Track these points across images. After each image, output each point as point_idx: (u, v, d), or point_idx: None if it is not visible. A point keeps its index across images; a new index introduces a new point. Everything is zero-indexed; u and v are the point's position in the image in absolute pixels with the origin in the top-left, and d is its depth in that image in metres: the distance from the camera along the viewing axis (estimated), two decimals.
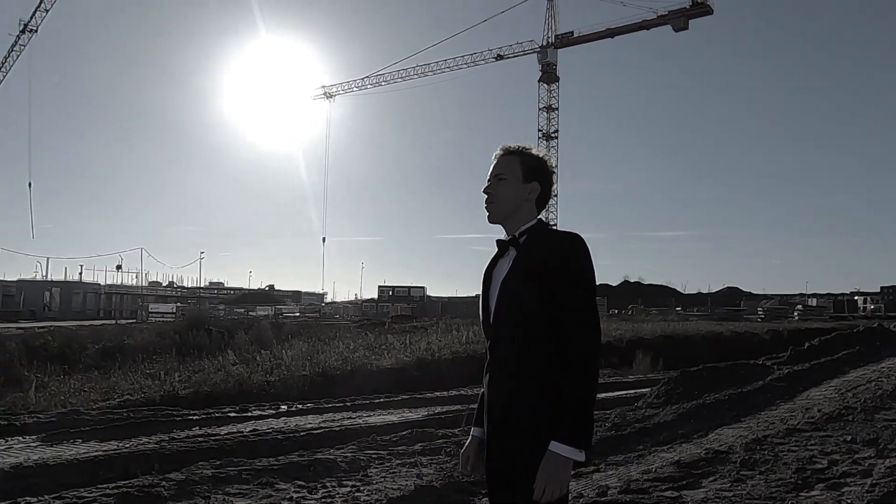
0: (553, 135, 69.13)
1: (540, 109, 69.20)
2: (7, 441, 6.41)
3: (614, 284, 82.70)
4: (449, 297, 62.41)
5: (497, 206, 2.00)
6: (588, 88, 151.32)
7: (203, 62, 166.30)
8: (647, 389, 8.43)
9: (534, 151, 2.04)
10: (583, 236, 1.87)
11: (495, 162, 2.04)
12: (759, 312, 46.18)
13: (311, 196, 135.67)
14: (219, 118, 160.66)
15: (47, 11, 65.50)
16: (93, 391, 12.92)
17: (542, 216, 2.03)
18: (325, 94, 71.83)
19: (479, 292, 2.02)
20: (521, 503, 1.76)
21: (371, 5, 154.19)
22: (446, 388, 11.56)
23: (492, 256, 2.02)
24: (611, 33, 63.67)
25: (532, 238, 1.93)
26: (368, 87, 70.15)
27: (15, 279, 53.89)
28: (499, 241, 2.00)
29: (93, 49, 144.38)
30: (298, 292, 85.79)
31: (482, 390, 2.00)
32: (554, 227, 2.02)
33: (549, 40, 66.56)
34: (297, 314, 47.65)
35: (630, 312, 50.29)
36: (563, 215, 74.56)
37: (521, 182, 1.98)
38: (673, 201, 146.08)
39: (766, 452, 5.07)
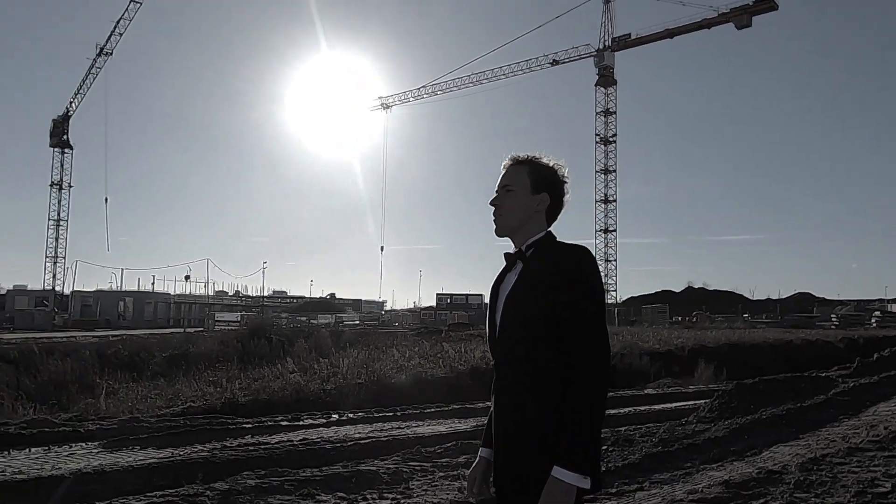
0: (611, 139, 68.11)
1: (597, 114, 68.41)
2: (71, 447, 6.73)
3: (677, 291, 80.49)
4: None
5: (504, 219, 1.94)
6: (646, 91, 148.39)
7: (266, 78, 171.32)
8: (706, 401, 8.12)
9: (544, 160, 1.97)
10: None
11: (503, 172, 1.98)
12: (833, 319, 44.04)
13: (369, 205, 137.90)
14: (281, 131, 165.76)
15: (121, 35, 69.30)
16: (158, 398, 13.42)
17: (552, 228, 1.96)
18: (382, 104, 73.06)
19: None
20: None
21: (427, 17, 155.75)
22: None
23: (500, 270, 1.96)
24: (670, 34, 62.37)
25: (539, 251, 1.87)
26: (424, 96, 70.98)
27: (93, 290, 56.84)
28: (506, 255, 1.95)
29: (163, 68, 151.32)
30: (359, 300, 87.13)
31: (490, 409, 1.96)
32: (563, 241, 1.92)
33: (606, 43, 65.74)
34: (357, 322, 48.30)
35: (694, 319, 48.76)
36: (623, 221, 73.41)
37: (529, 193, 1.92)
38: (738, 204, 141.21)
39: (823, 473, 4.79)
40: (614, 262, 69.20)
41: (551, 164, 1.97)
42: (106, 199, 71.84)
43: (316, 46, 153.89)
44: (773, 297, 79.16)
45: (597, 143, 68.70)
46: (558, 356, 1.73)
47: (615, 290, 70.02)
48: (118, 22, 68.36)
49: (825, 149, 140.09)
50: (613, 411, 9.56)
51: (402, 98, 72.34)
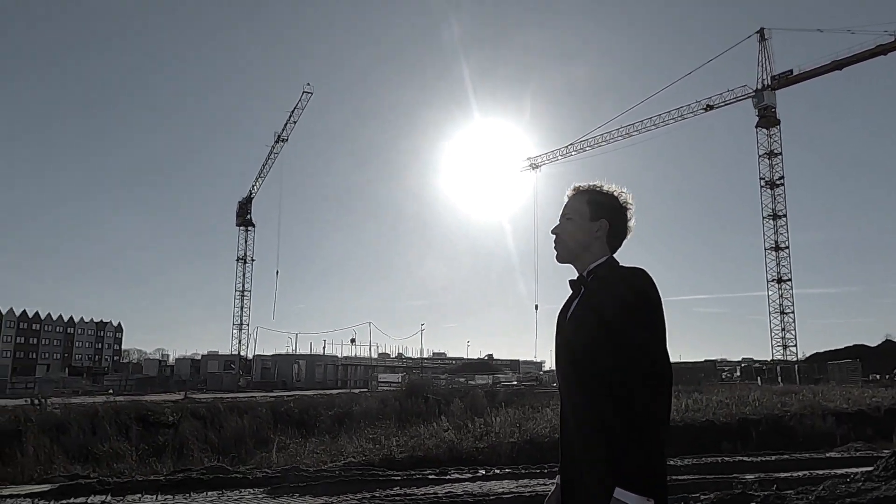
0: (778, 182, 63.40)
1: (760, 156, 64.25)
2: (241, 492, 7.38)
3: (873, 345, 71.00)
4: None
5: (563, 246, 2.00)
6: (814, 128, 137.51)
7: (424, 149, 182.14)
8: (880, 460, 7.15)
9: (604, 188, 2.01)
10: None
11: (565, 201, 2.05)
12: None
13: (520, 265, 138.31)
14: (436, 198, 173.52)
15: (295, 123, 77.14)
16: (323, 453, 14.26)
17: (616, 254, 1.99)
18: (531, 165, 74.04)
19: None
20: None
21: (573, 76, 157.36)
22: None
23: (567, 297, 2.01)
24: (838, 65, 57.65)
25: (598, 276, 1.91)
26: (573, 153, 70.92)
27: (271, 353, 61.98)
28: (571, 282, 1.99)
29: (330, 148, 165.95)
30: (516, 361, 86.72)
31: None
32: (623, 266, 1.94)
33: (765, 82, 62.13)
34: (514, 383, 48.01)
35: None
36: (799, 270, 67.33)
37: (587, 221, 1.97)
38: None
39: None
40: (791, 315, 63.15)
41: (611, 192, 2.01)
42: (277, 272, 78.32)
43: (469, 116, 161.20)
44: None
45: (762, 187, 64.28)
46: (614, 380, 1.74)
47: (795, 346, 63.66)
48: (293, 111, 76.51)
49: None
50: (784, 475, 8.69)
51: (551, 157, 72.87)
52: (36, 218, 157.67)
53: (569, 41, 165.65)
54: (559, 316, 2.00)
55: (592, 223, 1.97)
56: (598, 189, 2.02)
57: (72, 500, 6.99)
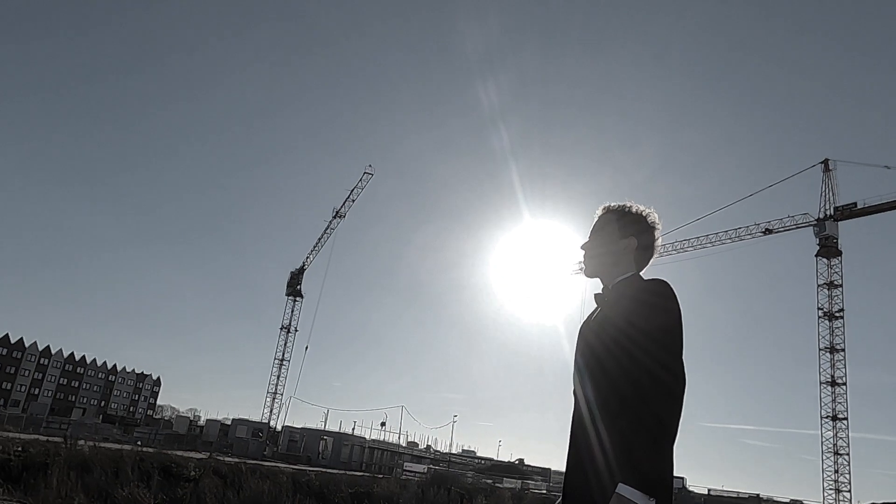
0: (837, 314, 61.17)
1: (819, 286, 62.42)
2: None
3: None
4: (710, 491, 55.24)
5: (591, 262, 2.13)
6: (880, 262, 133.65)
7: (473, 246, 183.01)
8: None
9: (633, 208, 2.13)
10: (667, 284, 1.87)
11: (595, 219, 2.19)
12: None
13: (565, 370, 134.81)
14: (483, 295, 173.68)
15: (353, 201, 79.38)
16: None
17: (643, 271, 2.08)
18: (581, 268, 73.70)
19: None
20: None
21: (626, 186, 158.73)
22: None
23: (591, 311, 2.11)
24: None
25: (619, 290, 2.00)
26: None
27: (300, 426, 61.33)
28: (595, 295, 2.09)
29: (381, 231, 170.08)
30: (548, 469, 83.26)
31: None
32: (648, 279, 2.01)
33: (827, 212, 61.24)
34: (544, 491, 46.06)
35: None
36: (859, 411, 63.62)
37: (615, 238, 2.09)
38: None
39: None
40: (846, 457, 59.12)
41: (639, 211, 2.14)
42: (306, 348, 77.28)
43: (519, 217, 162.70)
44: None
45: (819, 317, 62.12)
46: (627, 387, 1.82)
47: (849, 492, 59.19)
48: (353, 189, 78.98)
49: None
50: None
51: None
52: (89, 262, 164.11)
53: (621, 147, 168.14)
54: (581, 326, 2.10)
55: (620, 241, 2.10)
56: (626, 208, 2.16)
57: None
